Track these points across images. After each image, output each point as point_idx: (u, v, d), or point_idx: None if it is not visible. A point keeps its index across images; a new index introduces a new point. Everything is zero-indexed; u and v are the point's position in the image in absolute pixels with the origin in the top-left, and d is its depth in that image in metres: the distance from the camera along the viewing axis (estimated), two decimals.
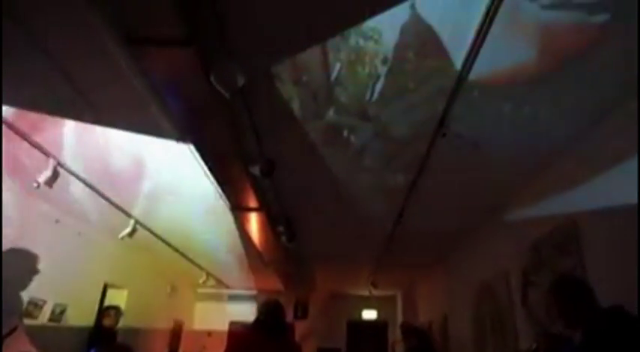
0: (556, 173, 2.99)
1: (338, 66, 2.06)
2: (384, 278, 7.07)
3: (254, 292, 9.04)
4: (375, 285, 7.43)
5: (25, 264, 3.82)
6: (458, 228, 4.49)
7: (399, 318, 8.80)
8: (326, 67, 2.07)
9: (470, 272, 4.90)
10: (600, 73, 2.04)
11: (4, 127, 2.68)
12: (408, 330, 6.21)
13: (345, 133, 2.67)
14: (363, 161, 3.03)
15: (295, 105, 2.39)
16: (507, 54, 1.96)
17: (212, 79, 1.94)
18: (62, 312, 4.49)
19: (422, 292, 8.08)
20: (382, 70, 2.07)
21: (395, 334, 8.85)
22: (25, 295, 3.90)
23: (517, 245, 3.52)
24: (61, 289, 4.43)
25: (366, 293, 8.57)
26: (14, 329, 3.05)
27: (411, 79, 2.14)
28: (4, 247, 3.32)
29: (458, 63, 2.01)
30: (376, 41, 1.91)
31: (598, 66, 1.99)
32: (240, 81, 1.99)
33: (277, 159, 2.69)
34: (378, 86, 2.18)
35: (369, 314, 9.62)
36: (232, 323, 8.63)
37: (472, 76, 2.07)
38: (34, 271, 3.92)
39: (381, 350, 8.74)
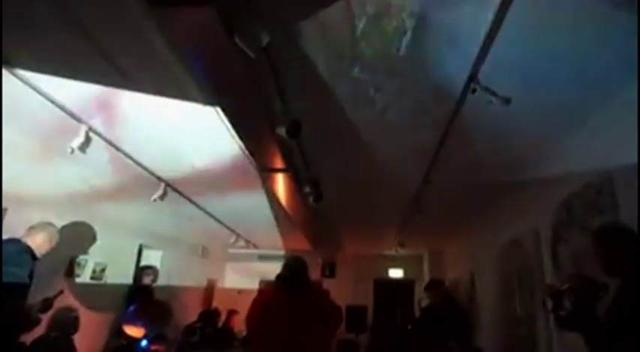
0: (592, 127, 2.87)
1: (363, 20, 1.99)
2: (410, 237, 7.11)
3: (282, 252, 9.27)
4: (401, 245, 7.48)
5: (84, 239, 4.08)
6: (486, 186, 4.42)
7: (426, 277, 8.90)
8: (351, 21, 2.00)
9: (498, 230, 4.87)
10: None
11: (34, 92, 2.74)
12: (431, 285, 6.29)
13: (372, 91, 2.62)
14: (389, 119, 2.98)
15: (320, 63, 2.35)
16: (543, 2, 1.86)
17: (236, 38, 1.92)
18: (102, 271, 4.76)
19: (449, 251, 8.12)
20: (409, 23, 1.99)
21: (421, 292, 8.99)
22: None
23: (548, 202, 3.46)
24: (101, 250, 4.65)
25: (392, 252, 8.66)
26: (61, 292, 3.25)
27: (439, 31, 2.06)
28: (40, 211, 3.47)
29: (489, 13, 1.91)
30: None
31: None
32: (265, 40, 1.96)
33: (303, 119, 2.67)
34: (405, 40, 2.11)
35: (396, 273, 9.76)
36: (262, 282, 8.95)
37: (505, 26, 1.98)
38: (86, 250, 4.19)
39: (407, 307, 8.91)
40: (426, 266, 9.27)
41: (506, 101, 2.60)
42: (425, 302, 6.82)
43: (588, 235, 2.30)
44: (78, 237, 4.10)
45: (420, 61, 2.31)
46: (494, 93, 2.53)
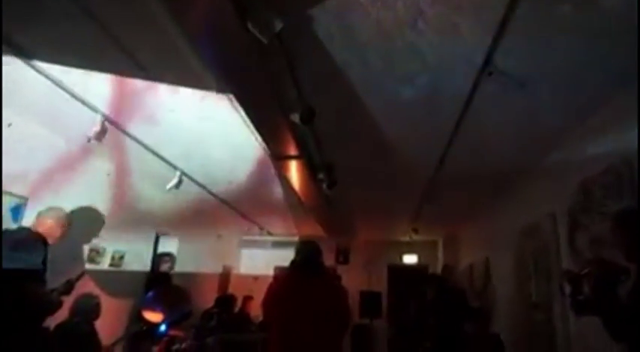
0: (611, 111, 2.81)
1: (378, 4, 1.96)
2: (425, 223, 7.10)
3: (297, 238, 9.32)
4: (416, 231, 7.47)
5: (92, 222, 4.13)
6: (502, 171, 4.37)
7: (440, 262, 8.90)
8: (364, 5, 1.98)
9: (514, 216, 4.83)
10: None
11: (52, 84, 2.78)
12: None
13: (386, 75, 2.59)
14: (404, 105, 2.96)
15: (333, 49, 2.32)
16: None
17: (248, 25, 1.91)
18: (121, 258, 4.84)
19: (463, 236, 8.09)
20: (424, 5, 1.95)
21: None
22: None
23: (565, 187, 3.41)
24: (119, 237, 4.74)
25: (406, 238, 8.65)
26: (82, 274, 3.30)
27: (455, 13, 2.02)
28: (66, 203, 3.51)
29: None
30: None
31: None
32: (278, 26, 1.95)
33: (317, 105, 2.66)
34: (420, 23, 2.07)
35: (410, 259, 9.75)
36: (277, 268, 9.02)
37: (522, 7, 1.94)
38: (97, 232, 4.24)
39: (421, 293, 8.92)
40: (440, 252, 9.25)
41: (522, 84, 2.57)
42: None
43: (607, 220, 2.27)
44: (87, 221, 4.14)
45: (435, 44, 2.27)
46: (510, 77, 2.49)
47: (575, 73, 2.52)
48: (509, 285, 4.85)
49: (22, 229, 3.08)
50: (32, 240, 2.92)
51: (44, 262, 2.91)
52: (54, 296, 2.99)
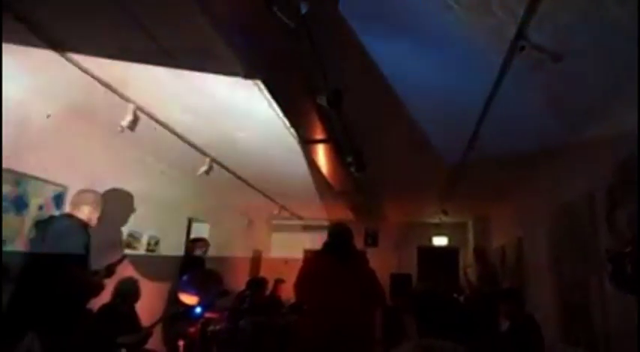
0: None
1: None
2: (454, 205, 7.01)
3: (326, 222, 9.39)
4: (445, 213, 7.40)
5: (124, 202, 4.25)
6: (535, 150, 4.25)
7: (470, 244, 8.79)
8: None
9: (547, 195, 4.71)
10: None
11: (87, 76, 2.85)
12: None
13: (413, 55, 2.54)
14: (432, 85, 2.90)
15: (360, 30, 2.29)
16: None
17: (274, 8, 1.90)
18: (156, 243, 5.00)
19: (494, 217, 7.95)
20: None
21: (466, 259, 8.91)
22: (126, 229, 4.37)
23: (603, 164, 3.29)
24: (154, 224, 4.88)
25: (436, 220, 8.57)
26: (123, 258, 3.43)
27: None
28: (98, 189, 3.62)
29: None
30: None
31: None
32: (304, 8, 1.93)
33: (344, 88, 2.64)
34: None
35: (440, 241, 9.68)
36: (306, 251, 9.14)
37: None
38: (131, 209, 4.37)
39: (452, 275, 8.87)
40: (470, 234, 9.14)
41: (557, 58, 2.47)
42: (472, 270, 6.84)
43: None
44: (118, 201, 4.23)
45: (465, 19, 2.21)
46: (544, 51, 2.40)
47: (613, 45, 2.41)
48: (544, 266, 4.76)
49: (64, 216, 3.22)
50: (75, 226, 3.06)
51: (87, 247, 3.03)
52: (96, 280, 3.13)
